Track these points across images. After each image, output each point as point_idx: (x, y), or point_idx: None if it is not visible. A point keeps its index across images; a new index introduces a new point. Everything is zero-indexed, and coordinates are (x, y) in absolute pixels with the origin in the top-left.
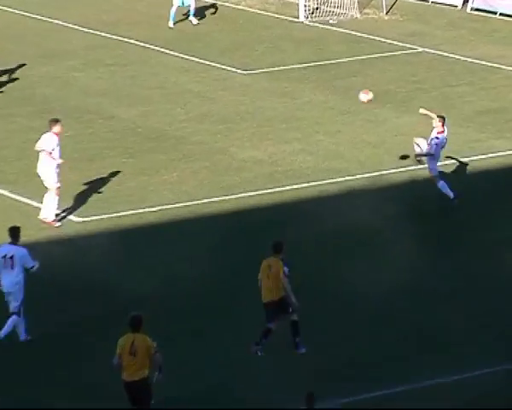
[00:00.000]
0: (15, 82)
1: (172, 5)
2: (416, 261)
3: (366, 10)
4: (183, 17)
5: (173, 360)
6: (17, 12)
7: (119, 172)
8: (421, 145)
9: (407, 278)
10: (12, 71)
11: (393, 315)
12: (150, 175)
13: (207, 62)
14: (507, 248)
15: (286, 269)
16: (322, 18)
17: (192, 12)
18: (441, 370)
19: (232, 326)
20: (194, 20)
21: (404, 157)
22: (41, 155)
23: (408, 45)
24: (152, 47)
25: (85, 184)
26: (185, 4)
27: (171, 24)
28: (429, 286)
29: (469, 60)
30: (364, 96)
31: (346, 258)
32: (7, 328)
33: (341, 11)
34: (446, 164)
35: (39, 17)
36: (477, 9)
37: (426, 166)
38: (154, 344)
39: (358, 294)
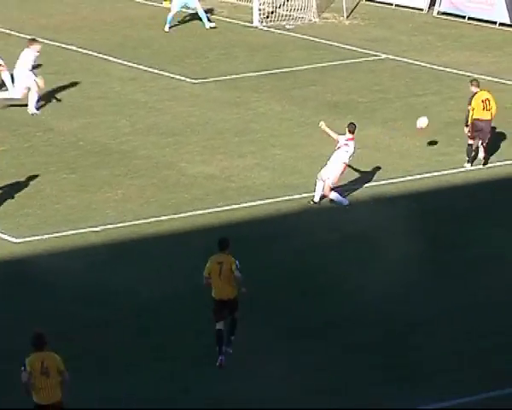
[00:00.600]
0: None
1: (170, 11)
2: (383, 283)
3: (325, 14)
4: (129, 22)
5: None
6: None
7: (59, 188)
8: None
9: (376, 305)
10: None
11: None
12: (93, 192)
13: (155, 71)
14: (481, 265)
15: (237, 262)
16: (277, 22)
17: (204, 18)
18: (415, 398)
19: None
20: (208, 24)
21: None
22: None
23: (370, 52)
24: (95, 54)
25: (22, 201)
26: (191, 6)
27: (166, 28)
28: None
29: (436, 67)
30: (423, 122)
31: (306, 279)
32: None
33: (298, 15)
34: (413, 179)
35: None
36: (444, 13)
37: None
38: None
39: (328, 323)
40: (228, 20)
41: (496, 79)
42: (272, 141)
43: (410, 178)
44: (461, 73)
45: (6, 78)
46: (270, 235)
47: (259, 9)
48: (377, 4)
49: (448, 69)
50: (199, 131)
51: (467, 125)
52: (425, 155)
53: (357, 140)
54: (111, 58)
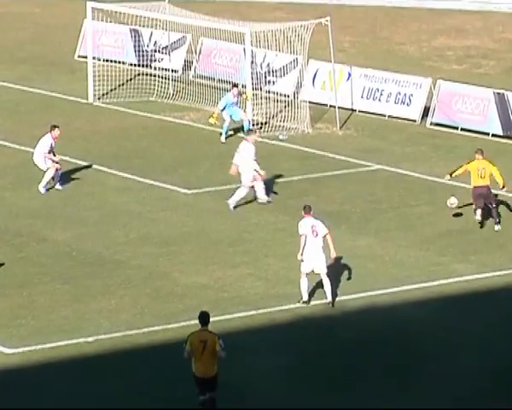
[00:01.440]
0: None
1: (224, 120)
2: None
3: (319, 125)
4: (123, 133)
5: None
6: None
7: (52, 299)
8: None
9: None
10: None
11: None
12: (86, 302)
13: (148, 181)
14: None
15: (221, 342)
16: (271, 133)
17: (247, 126)
18: None
19: None
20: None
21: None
22: None
23: (363, 162)
24: (88, 164)
25: (16, 312)
26: (236, 120)
27: (223, 138)
28: None
29: (429, 178)
30: (453, 201)
31: (300, 389)
32: None
33: (292, 126)
34: (406, 288)
35: None
36: (437, 124)
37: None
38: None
39: None
40: (220, 130)
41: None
42: (265, 251)
43: (403, 287)
44: (454, 184)
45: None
46: (264, 345)
47: (252, 120)
48: (370, 115)
49: (441, 180)
50: (192, 242)
51: (450, 175)
52: (418, 265)
53: (350, 250)
54: (105, 168)
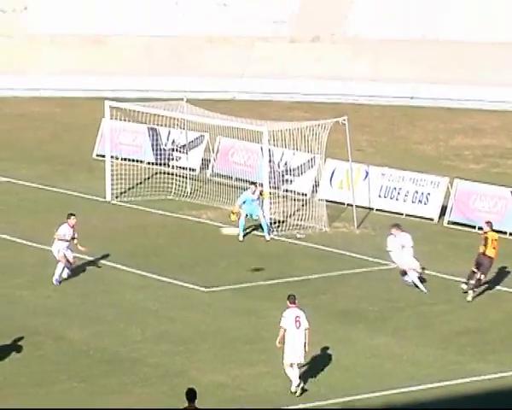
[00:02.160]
0: None
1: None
2: None
3: (336, 224)
4: (141, 231)
5: None
6: None
7: (69, 397)
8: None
9: None
10: None
11: None
12: (103, 401)
13: (165, 279)
14: None
15: None
16: (288, 232)
17: (266, 228)
18: None
19: None
20: (269, 236)
21: None
22: None
23: (381, 261)
24: (106, 262)
25: None
26: (253, 217)
27: (240, 237)
28: None
29: (446, 276)
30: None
31: None
32: None
33: (309, 224)
34: (424, 388)
35: None
36: (454, 223)
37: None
38: None
39: None
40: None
41: (505, 288)
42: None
43: (421, 387)
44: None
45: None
46: None
47: (270, 220)
48: (387, 214)
49: (458, 278)
50: (209, 340)
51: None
52: (436, 365)
53: (368, 348)
54: (122, 266)
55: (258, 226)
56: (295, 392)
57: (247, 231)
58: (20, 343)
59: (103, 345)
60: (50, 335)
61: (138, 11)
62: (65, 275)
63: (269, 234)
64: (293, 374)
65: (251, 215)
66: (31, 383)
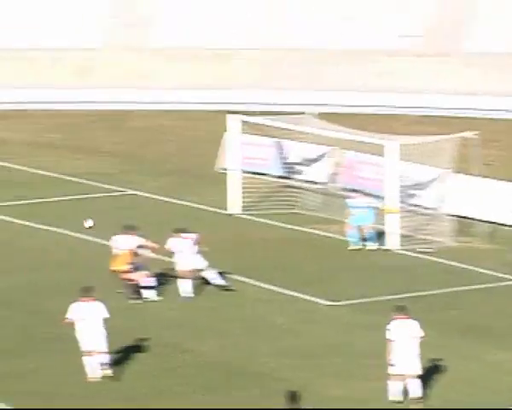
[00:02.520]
0: None
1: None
2: None
3: (463, 238)
4: (266, 244)
5: None
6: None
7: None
8: None
9: None
10: None
11: None
12: None
13: (290, 292)
14: None
15: None
16: (415, 246)
17: (370, 237)
18: None
19: None
20: (373, 245)
21: None
22: None
23: (507, 276)
24: (231, 276)
25: None
26: (364, 225)
27: (351, 246)
28: None
29: None
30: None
31: None
32: None
33: (435, 239)
34: None
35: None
36: None
37: None
38: None
39: None
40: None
41: None
42: None
43: None
44: None
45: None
46: None
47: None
48: None
49: None
50: (333, 354)
51: None
52: None
53: (495, 364)
54: (247, 279)
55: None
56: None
57: (370, 245)
58: (146, 355)
59: (229, 358)
60: (177, 347)
61: (261, 25)
62: (189, 289)
63: (372, 243)
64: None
65: (360, 226)
66: (155, 394)
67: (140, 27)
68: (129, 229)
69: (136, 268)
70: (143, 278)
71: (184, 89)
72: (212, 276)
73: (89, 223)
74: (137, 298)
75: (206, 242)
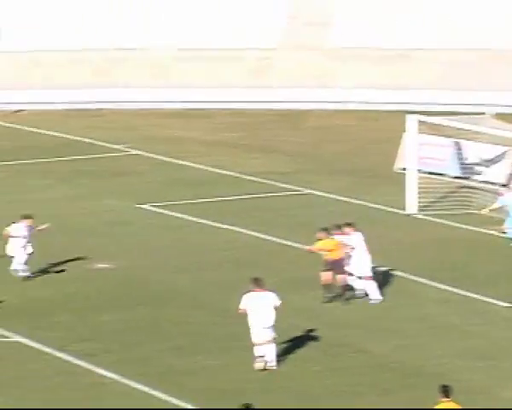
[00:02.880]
0: None
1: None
2: None
3: None
4: (443, 244)
5: None
6: None
7: None
8: None
9: None
10: None
11: None
12: None
13: (467, 293)
14: None
15: None
16: None
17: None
18: None
19: None
20: None
21: None
22: None
23: None
24: (407, 276)
25: None
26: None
27: None
28: None
29: None
30: None
31: None
32: None
33: None
34: None
35: (286, 243)
36: None
37: None
38: None
39: None
40: None
41: None
42: None
43: None
44: None
45: None
46: None
47: None
48: None
49: None
50: (511, 356)
51: None
52: None
53: None
54: (424, 280)
55: None
56: None
57: None
58: (320, 354)
59: (404, 359)
60: (350, 347)
61: (437, 26)
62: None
63: None
64: None
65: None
66: (327, 394)
67: (318, 27)
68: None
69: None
70: (344, 278)
71: (364, 88)
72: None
73: None
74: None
75: (382, 241)
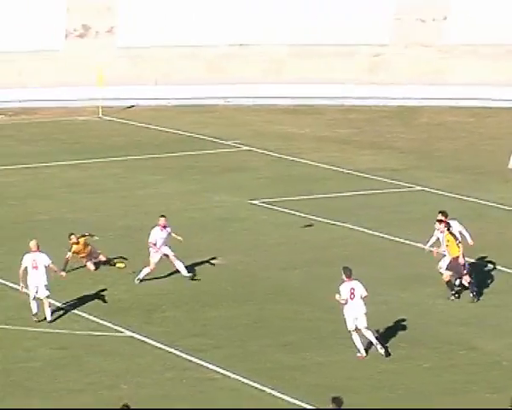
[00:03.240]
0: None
1: None
2: None
3: None
4: None
5: None
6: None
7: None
8: None
9: None
10: None
11: None
12: None
13: None
14: None
15: None
16: None
17: None
18: None
19: None
20: None
21: None
22: None
23: None
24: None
25: None
26: None
27: None
28: None
29: None
30: None
31: None
32: None
33: None
34: None
35: (397, 239)
36: None
37: None
38: None
39: None
40: None
41: None
42: None
43: None
44: None
45: None
46: None
47: None
48: None
49: None
50: None
51: None
52: None
53: None
54: None
55: None
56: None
57: None
58: (431, 352)
59: None
60: (462, 345)
61: None
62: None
63: None
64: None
65: None
66: (439, 392)
67: (430, 23)
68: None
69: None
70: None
71: (475, 85)
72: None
73: None
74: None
75: (494, 239)
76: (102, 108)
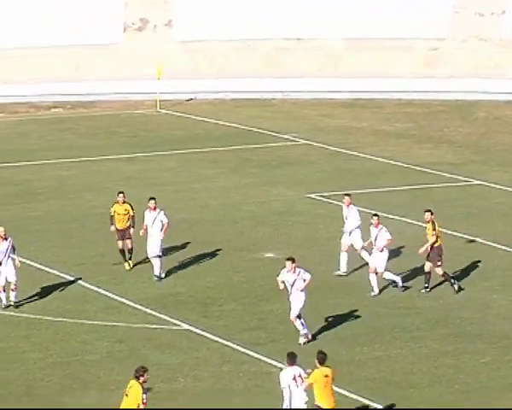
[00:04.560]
0: (430, 303)
1: None
2: None
3: None
4: None
5: None
6: None
7: None
8: None
9: None
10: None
11: None
12: None
13: None
14: None
15: None
16: None
17: None
18: None
19: None
20: None
21: None
22: None
23: None
24: None
25: None
26: None
27: None
28: None
29: None
30: None
31: None
32: None
33: None
34: None
35: (455, 234)
36: None
37: None
38: None
39: None
40: None
41: None
42: None
43: None
44: None
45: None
46: None
47: None
48: None
49: None
50: None
51: None
52: None
53: None
54: None
55: None
56: None
57: None
58: (488, 347)
59: None
60: None
61: None
62: None
63: None
64: None
65: None
66: (498, 387)
67: (493, 17)
68: None
69: None
70: None
71: None
72: None
73: None
74: None
75: None
76: (160, 101)
